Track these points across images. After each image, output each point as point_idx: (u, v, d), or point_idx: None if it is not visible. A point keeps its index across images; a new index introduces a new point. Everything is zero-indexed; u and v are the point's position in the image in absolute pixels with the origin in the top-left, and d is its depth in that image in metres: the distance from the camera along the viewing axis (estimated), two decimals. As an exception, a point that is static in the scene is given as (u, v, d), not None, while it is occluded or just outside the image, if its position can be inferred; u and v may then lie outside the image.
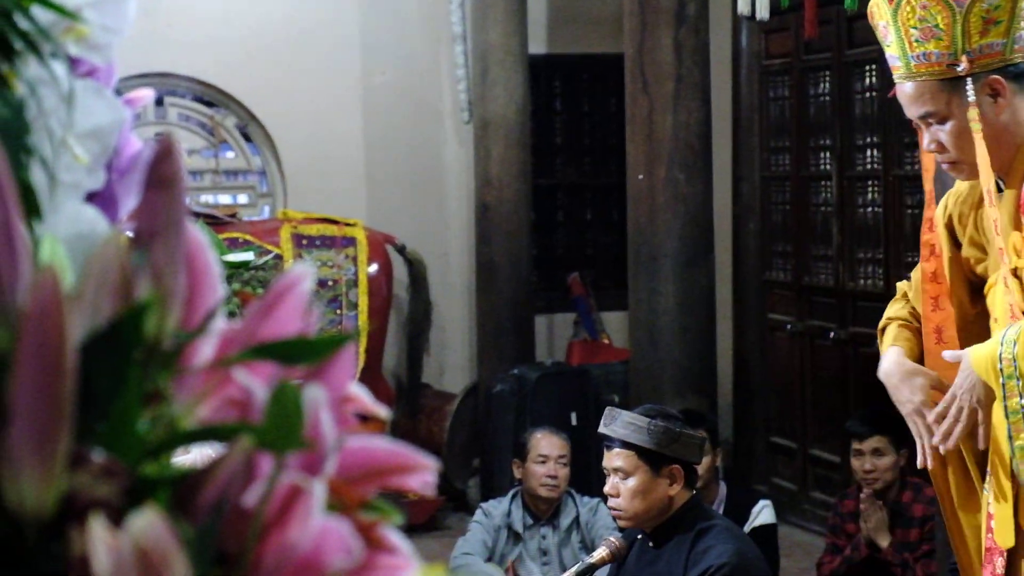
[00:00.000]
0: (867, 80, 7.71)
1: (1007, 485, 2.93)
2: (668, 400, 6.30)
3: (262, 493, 0.73)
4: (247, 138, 9.11)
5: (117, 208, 1.01)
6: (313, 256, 7.96)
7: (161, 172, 0.79)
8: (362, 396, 0.87)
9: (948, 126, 2.96)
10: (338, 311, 8.01)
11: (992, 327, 3.04)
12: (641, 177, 6.97)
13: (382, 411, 0.88)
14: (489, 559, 5.84)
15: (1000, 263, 2.98)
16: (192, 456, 0.83)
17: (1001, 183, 3.03)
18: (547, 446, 5.99)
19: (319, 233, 8.11)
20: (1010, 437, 2.86)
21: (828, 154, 8.06)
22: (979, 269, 3.12)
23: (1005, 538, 2.96)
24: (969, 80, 2.93)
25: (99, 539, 0.67)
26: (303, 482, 0.73)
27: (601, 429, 4.29)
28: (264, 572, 0.73)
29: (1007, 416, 2.86)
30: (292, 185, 8.98)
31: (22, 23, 0.85)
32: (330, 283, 8.02)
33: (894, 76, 3.04)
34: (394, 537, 0.80)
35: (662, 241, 6.91)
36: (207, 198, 9.09)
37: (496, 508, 6.01)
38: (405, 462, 0.83)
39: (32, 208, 0.84)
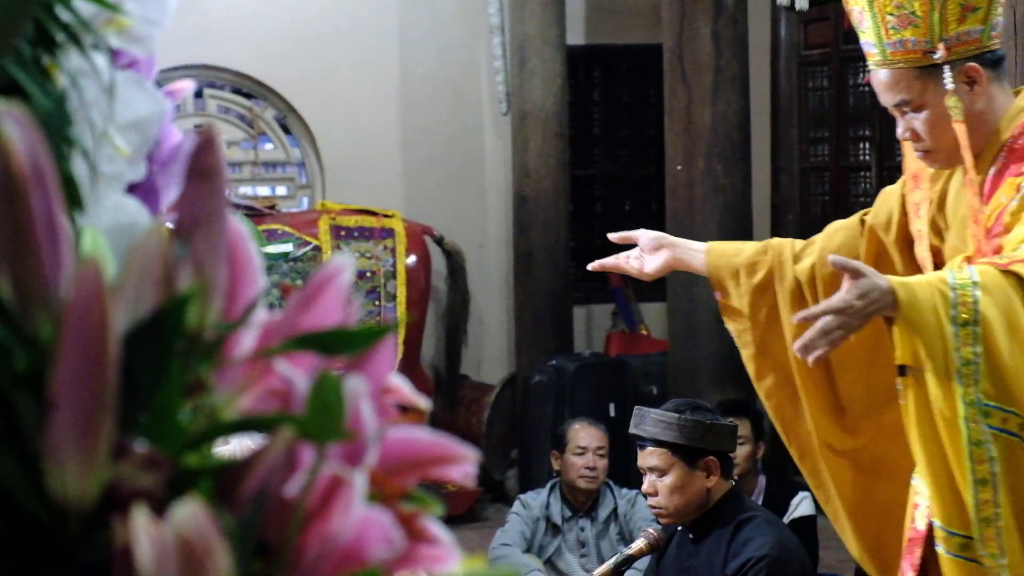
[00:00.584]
0: None
1: (957, 468, 2.72)
2: (706, 391, 6.29)
3: (303, 484, 0.73)
4: (286, 130, 9.13)
5: (158, 199, 1.01)
6: (351, 247, 7.97)
7: (202, 163, 0.79)
8: (403, 387, 0.87)
9: (923, 114, 2.92)
10: (376, 302, 8.03)
11: None
12: (679, 168, 6.95)
13: (422, 402, 0.88)
14: (527, 550, 5.84)
15: (958, 248, 2.93)
16: (232, 447, 0.83)
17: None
18: (585, 437, 5.98)
19: (357, 224, 8.12)
20: (963, 395, 2.67)
21: (867, 144, 8.02)
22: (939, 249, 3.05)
23: (951, 521, 2.76)
24: (947, 68, 2.90)
25: (142, 529, 0.67)
26: (344, 473, 0.74)
27: (632, 430, 4.28)
28: (305, 563, 0.73)
29: (959, 368, 2.66)
30: (331, 176, 9.00)
31: (63, 15, 0.85)
32: (368, 274, 8.03)
33: (869, 63, 3.00)
34: (435, 528, 0.80)
35: (700, 232, 6.88)
36: (246, 190, 9.11)
37: (534, 499, 6.01)
38: (446, 453, 0.83)
39: (74, 200, 0.84)
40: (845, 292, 2.64)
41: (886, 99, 2.97)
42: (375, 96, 8.94)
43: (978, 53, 2.92)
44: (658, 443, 4.19)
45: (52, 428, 0.69)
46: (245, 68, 8.86)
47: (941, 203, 3.06)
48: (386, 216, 8.24)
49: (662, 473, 4.18)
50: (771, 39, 8.68)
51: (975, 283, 2.68)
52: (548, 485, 6.04)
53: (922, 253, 3.06)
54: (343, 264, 0.84)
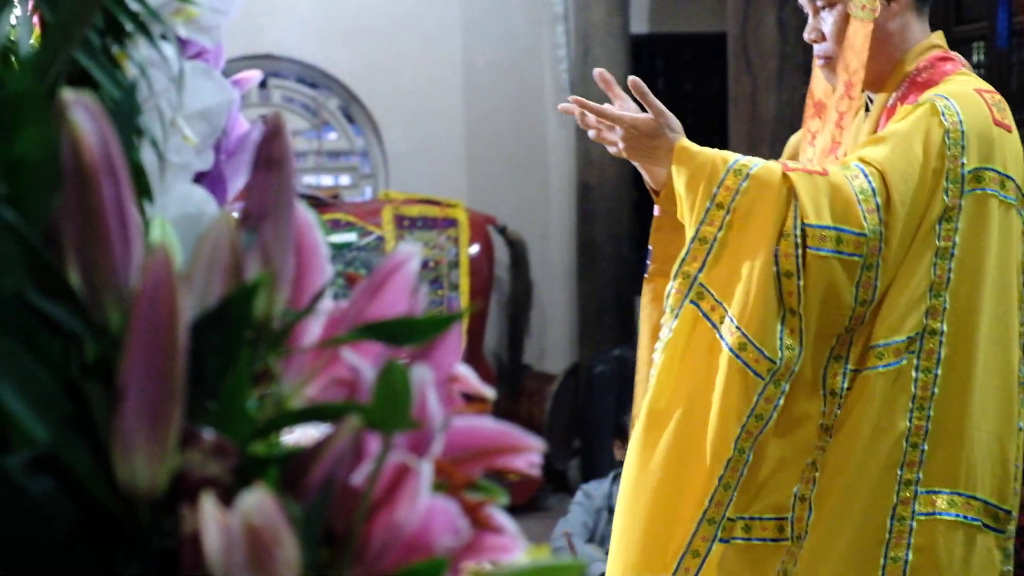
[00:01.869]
0: (975, 57, 7.58)
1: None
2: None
3: (370, 472, 0.73)
4: (350, 119, 9.16)
5: (225, 188, 1.02)
6: (415, 237, 7.99)
7: (270, 152, 0.79)
8: (468, 376, 0.87)
9: (834, 13, 2.85)
10: (440, 292, 8.05)
11: None
12: (743, 157, 6.92)
13: (488, 391, 0.88)
14: (590, 540, 5.85)
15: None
16: (296, 436, 0.83)
17: (869, 100, 2.91)
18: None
19: (421, 214, 8.14)
20: (682, 260, 2.65)
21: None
22: None
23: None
24: None
25: (210, 517, 0.68)
26: (411, 462, 0.74)
27: None
28: (372, 551, 0.73)
29: (691, 241, 2.64)
30: (394, 166, 9.03)
31: (133, 5, 0.85)
32: (431, 264, 8.05)
33: None
34: (500, 517, 0.80)
35: (765, 221, 6.87)
36: (310, 179, 9.15)
37: (597, 489, 6.01)
38: (511, 442, 0.83)
39: (143, 189, 0.85)
40: (642, 121, 2.76)
41: None
42: (438, 85, 8.95)
43: None
44: None
45: (122, 417, 0.70)
46: (309, 58, 8.89)
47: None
48: (449, 206, 8.25)
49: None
50: (836, 27, 8.62)
51: (749, 175, 2.65)
52: (611, 475, 6.04)
53: None
54: (409, 253, 0.84)
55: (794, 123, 6.82)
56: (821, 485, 2.67)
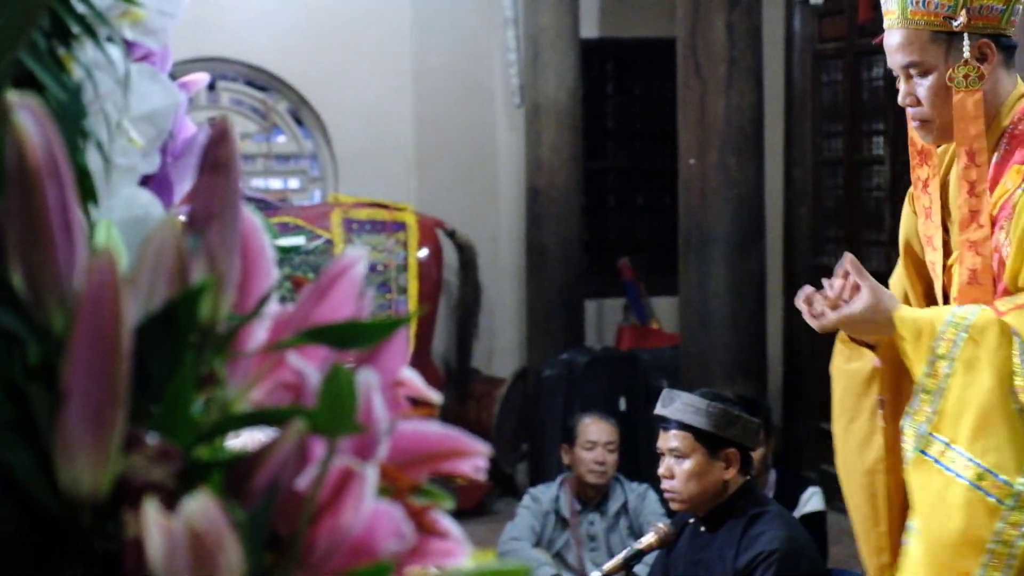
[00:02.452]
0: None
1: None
2: (717, 386, 6.28)
3: (315, 477, 0.73)
4: (299, 122, 9.14)
5: (172, 192, 1.02)
6: (363, 241, 7.98)
7: (216, 155, 0.79)
8: (414, 380, 0.87)
9: (929, 80, 2.89)
10: (388, 296, 8.04)
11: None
12: (693, 161, 6.95)
13: (434, 396, 0.88)
14: (537, 544, 5.85)
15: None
16: (242, 440, 0.83)
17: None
18: (596, 432, 5.98)
19: (369, 218, 8.13)
20: (912, 413, 2.80)
21: (881, 138, 8.01)
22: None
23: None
24: (966, 36, 2.88)
25: (153, 521, 0.67)
26: (355, 466, 0.74)
27: (658, 410, 4.27)
28: (316, 555, 0.73)
29: (918, 393, 2.79)
30: (343, 169, 9.01)
31: (79, 7, 0.85)
32: (380, 268, 8.04)
33: (885, 21, 2.98)
34: (445, 522, 0.81)
35: (713, 226, 6.89)
36: (258, 182, 9.12)
37: (544, 493, 6.01)
38: (457, 447, 0.83)
39: (88, 192, 0.84)
40: (852, 304, 2.82)
41: (896, 59, 2.94)
42: (388, 89, 8.94)
43: (994, 33, 2.90)
44: (683, 426, 4.19)
45: (64, 420, 0.70)
46: (258, 61, 8.86)
47: (944, 190, 3.05)
48: (398, 209, 8.24)
49: (682, 457, 4.17)
50: (785, 32, 8.66)
51: (968, 326, 2.76)
52: (558, 479, 6.05)
53: (930, 230, 3.04)
54: (356, 257, 0.84)
55: (743, 128, 6.86)
56: None
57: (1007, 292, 2.82)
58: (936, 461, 2.77)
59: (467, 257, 8.57)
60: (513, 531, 5.89)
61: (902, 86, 2.96)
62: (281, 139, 9.18)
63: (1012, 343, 2.74)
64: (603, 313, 9.23)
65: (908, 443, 2.82)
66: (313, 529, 0.73)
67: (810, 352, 8.60)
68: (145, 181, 0.99)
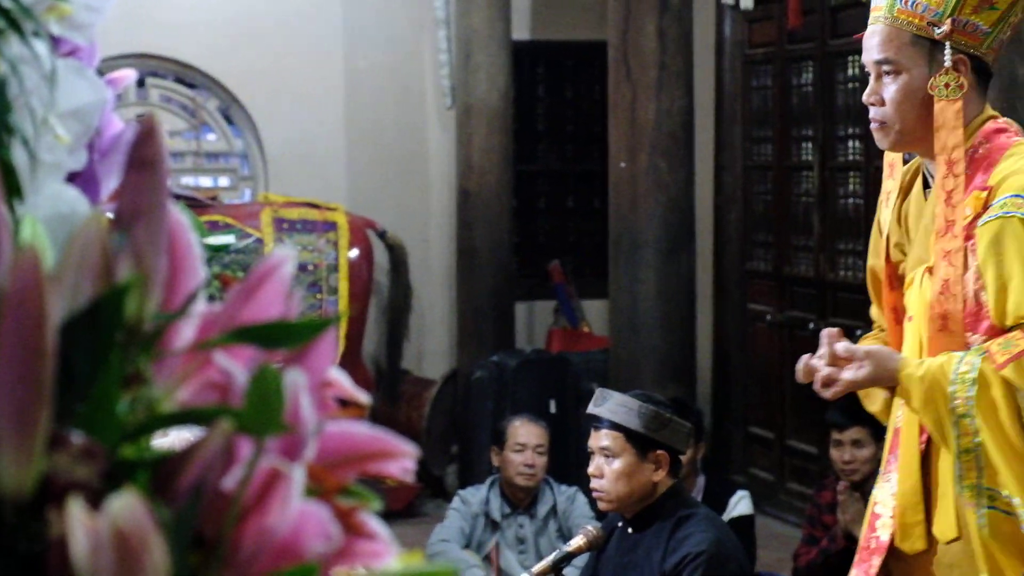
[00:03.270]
0: (850, 70, 7.71)
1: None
2: (647, 389, 6.30)
3: (241, 477, 0.73)
4: (229, 120, 9.08)
5: (98, 188, 1.01)
6: (294, 240, 7.94)
7: (143, 153, 0.78)
8: (343, 381, 0.87)
9: (899, 82, 2.91)
10: (318, 295, 8.00)
11: (906, 326, 3.01)
12: (623, 165, 6.97)
13: (363, 397, 0.88)
14: (466, 546, 5.85)
15: (921, 258, 2.96)
16: (170, 439, 0.82)
17: (929, 177, 3.01)
18: (525, 435, 5.99)
19: (300, 217, 8.09)
20: (960, 477, 2.86)
21: (810, 144, 8.06)
22: (900, 270, 3.11)
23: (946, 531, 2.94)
24: (948, 45, 2.90)
25: (77, 521, 0.67)
26: (282, 466, 0.73)
27: (590, 409, 4.29)
28: (242, 556, 0.73)
29: (958, 456, 2.86)
30: (274, 168, 8.97)
31: (4, 2, 0.84)
32: (310, 267, 8.00)
33: (871, 16, 2.98)
34: (373, 523, 0.80)
35: (643, 229, 6.92)
36: (188, 180, 9.06)
37: (474, 496, 6.01)
38: (385, 448, 0.82)
39: (13, 188, 0.83)
40: (856, 371, 2.88)
41: (871, 55, 2.95)
42: (319, 88, 8.91)
43: (974, 53, 2.93)
44: (614, 426, 4.20)
45: (-13, 418, 0.69)
46: (188, 58, 8.81)
47: (902, 212, 3.08)
48: (329, 209, 8.21)
49: (612, 456, 4.19)
50: (716, 37, 8.71)
51: (972, 381, 2.82)
52: (488, 481, 6.05)
53: (881, 244, 3.09)
54: (284, 256, 0.84)
55: (673, 132, 6.90)
56: None
57: (994, 330, 2.86)
58: (1007, 513, 2.85)
59: (398, 258, 8.55)
60: (442, 533, 5.88)
61: (870, 84, 2.96)
62: (211, 137, 9.12)
63: (1015, 395, 2.82)
64: (533, 316, 9.24)
65: (970, 505, 2.87)
66: (239, 529, 0.72)
67: (740, 357, 8.66)
68: (71, 178, 0.98)
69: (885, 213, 3.09)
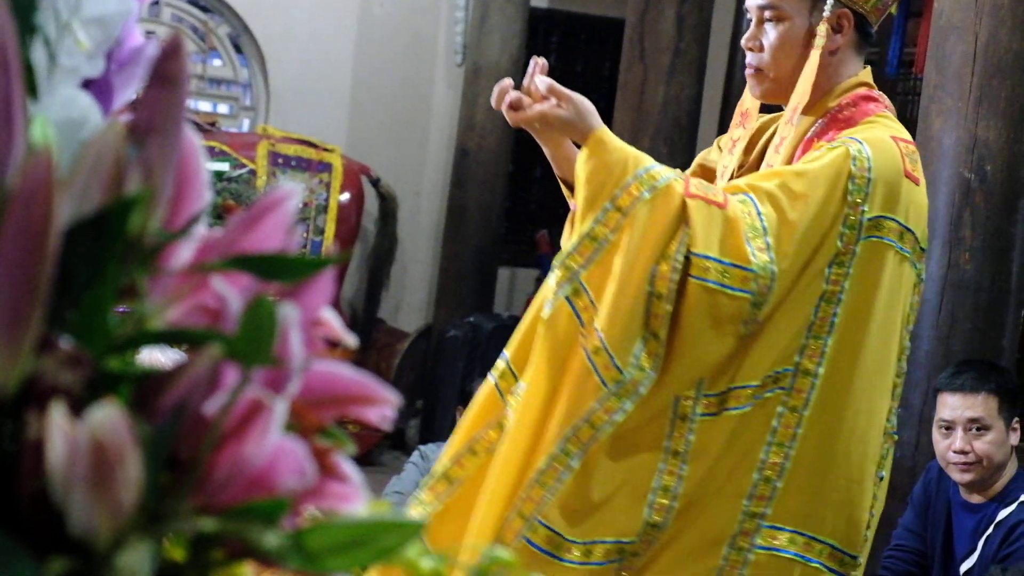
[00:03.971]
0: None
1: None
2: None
3: (224, 403, 0.73)
4: (238, 49, 9.05)
5: (111, 99, 1.00)
6: (287, 176, 7.92)
7: (167, 69, 0.78)
8: (333, 322, 0.87)
9: (780, 29, 2.85)
10: (304, 235, 7.99)
11: None
12: (624, 145, 6.96)
13: (350, 339, 0.88)
14: (420, 501, 5.86)
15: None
16: (144, 360, 0.82)
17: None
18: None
19: (296, 154, 8.08)
20: (567, 257, 2.65)
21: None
22: None
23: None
24: None
25: (57, 426, 0.67)
26: (266, 398, 0.73)
27: None
28: (215, 483, 0.73)
29: (584, 237, 2.64)
30: (276, 102, 8.94)
31: (45, -101, 0.84)
32: (300, 206, 7.99)
33: None
34: (346, 466, 0.80)
35: (636, 211, 6.91)
36: (189, 103, 9.03)
37: (434, 452, 6.01)
38: (367, 393, 0.83)
39: (29, 87, 0.83)
40: (552, 107, 2.78)
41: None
42: (331, 28, 8.87)
43: (857, 10, 2.86)
44: None
45: (-21, 313, 0.69)
46: (205, -19, 8.77)
47: (748, 161, 3.01)
48: (326, 150, 8.19)
49: None
50: (733, 28, 8.70)
51: (654, 188, 2.63)
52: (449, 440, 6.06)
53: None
54: (291, 192, 0.84)
55: (679, 118, 6.89)
56: (675, 512, 2.67)
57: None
58: (576, 314, 2.63)
59: (388, 208, 8.54)
60: (398, 485, 5.89)
61: (751, 28, 2.91)
62: (217, 63, 9.09)
63: (679, 228, 2.61)
64: (515, 282, 9.24)
65: (553, 282, 2.67)
66: (215, 455, 0.72)
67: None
68: (86, 85, 0.98)
69: (727, 159, 3.01)
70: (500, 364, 2.76)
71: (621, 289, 2.59)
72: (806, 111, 2.85)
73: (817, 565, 2.70)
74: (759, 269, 2.60)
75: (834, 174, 2.67)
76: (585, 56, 9.47)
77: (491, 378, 2.76)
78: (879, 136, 2.75)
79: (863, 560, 2.77)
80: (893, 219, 2.70)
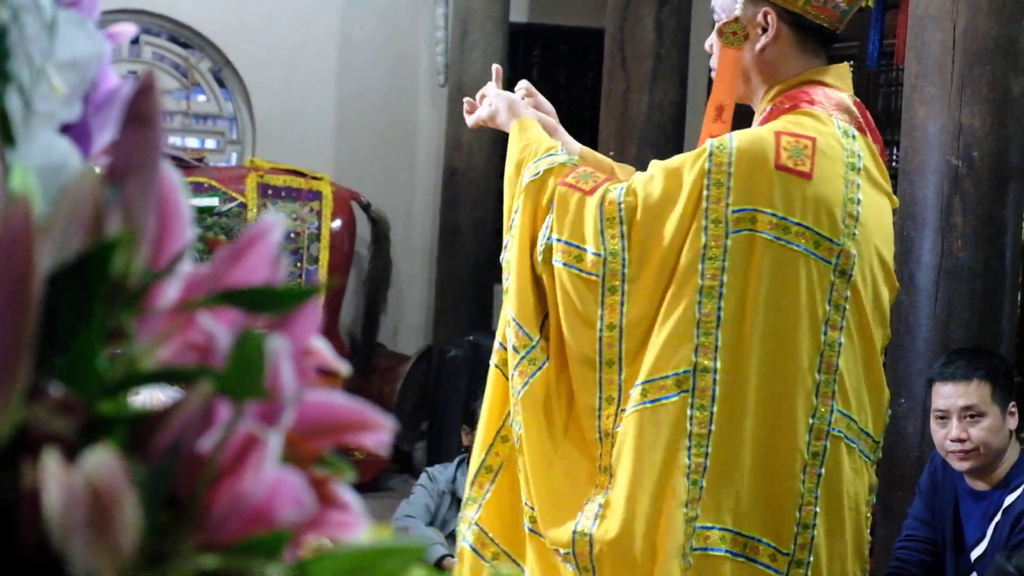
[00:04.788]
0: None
1: None
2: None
3: (218, 440, 0.73)
4: (220, 83, 9.06)
5: (90, 142, 1.00)
6: (277, 207, 7.93)
7: (140, 108, 0.78)
8: (324, 350, 0.87)
9: (714, 34, 2.95)
10: (298, 264, 7.99)
11: None
12: (611, 154, 6.95)
13: (342, 367, 0.88)
14: (431, 523, 5.85)
15: None
16: (142, 399, 0.82)
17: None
18: (488, 414, 6.00)
19: (285, 184, 8.08)
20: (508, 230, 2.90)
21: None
22: None
23: None
24: None
25: (52, 473, 0.67)
26: (260, 432, 0.73)
27: None
28: (214, 519, 0.73)
29: (512, 217, 2.90)
30: (262, 134, 8.94)
31: (10, -53, 0.84)
32: (292, 236, 7.99)
33: None
34: (346, 494, 0.80)
35: (628, 219, 6.91)
36: (175, 140, 9.04)
37: (441, 473, 6.01)
38: (363, 419, 0.82)
39: (6, 136, 0.83)
40: (486, 107, 3.05)
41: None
42: (313, 55, 8.88)
43: (788, 9, 2.88)
44: None
45: (-33, 364, 0.68)
46: (183, 17, 8.77)
47: None
48: (315, 178, 8.20)
49: None
50: (712, 33, 8.71)
51: (540, 172, 2.87)
52: (456, 460, 6.05)
53: None
54: (274, 223, 0.83)
55: (663, 125, 6.89)
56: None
57: None
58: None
59: (380, 231, 8.54)
60: (408, 508, 5.89)
61: (712, 35, 2.98)
62: (201, 98, 9.10)
63: (547, 214, 2.83)
64: (512, 298, 9.24)
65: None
66: (213, 492, 0.72)
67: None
68: (64, 130, 0.98)
69: None
70: (495, 346, 2.95)
71: (518, 275, 2.84)
72: (756, 108, 2.91)
73: (743, 560, 2.71)
74: (607, 254, 2.73)
75: (688, 166, 2.74)
76: (567, 67, 9.49)
77: (492, 363, 2.96)
78: (757, 131, 2.80)
79: (804, 557, 2.76)
80: (767, 212, 2.71)
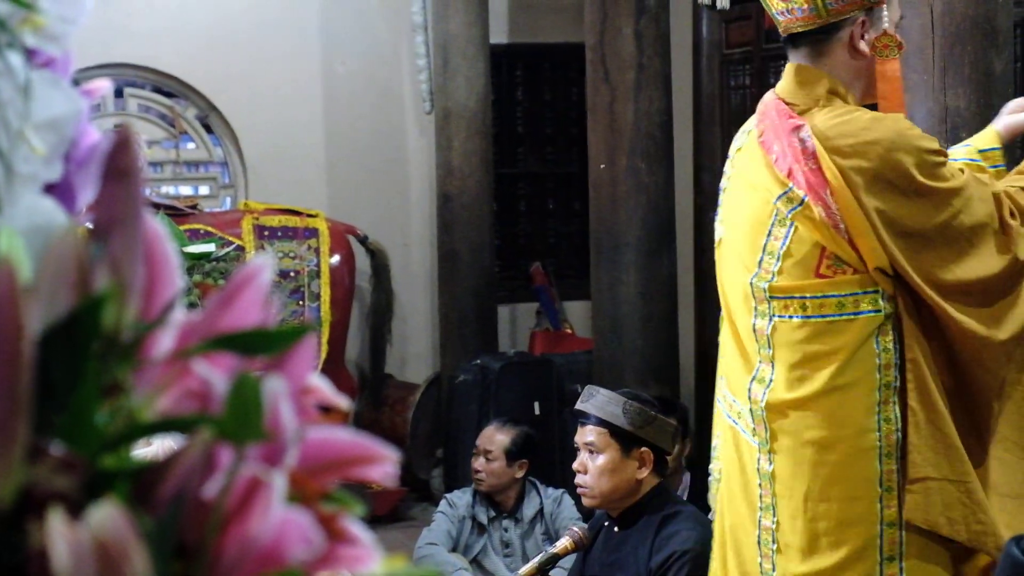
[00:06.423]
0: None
1: None
2: (630, 389, 6.30)
3: (222, 485, 0.73)
4: (208, 129, 9.07)
5: (75, 199, 1.00)
6: (275, 247, 7.93)
7: (118, 163, 0.78)
8: (323, 387, 0.87)
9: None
10: (300, 302, 8.00)
11: None
12: (603, 166, 6.97)
13: (343, 402, 0.88)
14: (453, 549, 5.84)
15: None
16: (154, 448, 0.82)
17: None
18: (481, 439, 6.02)
19: (281, 224, 8.09)
20: None
21: (789, 143, 8.07)
22: None
23: None
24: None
25: (58, 532, 0.67)
26: (263, 474, 0.73)
27: (578, 405, 4.32)
28: (225, 564, 0.73)
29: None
30: (253, 176, 8.96)
31: (-23, 13, 0.84)
32: (292, 274, 8.00)
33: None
34: (355, 528, 0.80)
35: (624, 230, 6.92)
36: (168, 189, 9.05)
37: (460, 499, 6.01)
38: (366, 453, 0.82)
39: (-11, 200, 0.83)
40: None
41: None
42: (297, 95, 8.90)
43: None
44: (600, 422, 4.23)
45: (-34, 431, 0.69)
46: (166, 67, 8.79)
47: None
48: (310, 216, 8.21)
49: (597, 452, 4.21)
50: (693, 38, 8.73)
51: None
52: (473, 485, 6.05)
53: None
54: (262, 264, 0.84)
55: (652, 133, 6.89)
56: None
57: None
58: None
59: (379, 263, 8.55)
60: (429, 536, 5.88)
61: None
62: (190, 146, 9.11)
63: None
64: (516, 318, 9.25)
65: None
66: (221, 537, 0.72)
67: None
68: (48, 189, 0.98)
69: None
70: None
71: None
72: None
73: None
74: None
75: None
76: (551, 84, 9.50)
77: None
78: None
79: None
80: None
